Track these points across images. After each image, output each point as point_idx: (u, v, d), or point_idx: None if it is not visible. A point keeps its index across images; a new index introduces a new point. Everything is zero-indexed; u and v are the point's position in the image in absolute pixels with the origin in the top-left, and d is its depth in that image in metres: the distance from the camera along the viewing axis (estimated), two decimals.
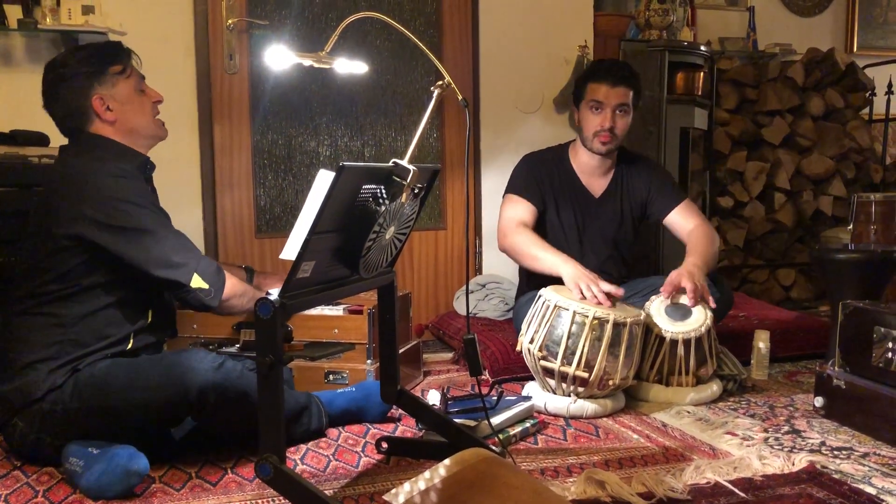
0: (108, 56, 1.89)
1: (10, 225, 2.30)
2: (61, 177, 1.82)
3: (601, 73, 2.66)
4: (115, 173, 1.78)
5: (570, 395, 2.26)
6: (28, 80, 2.81)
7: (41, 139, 2.57)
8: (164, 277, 1.75)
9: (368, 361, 2.35)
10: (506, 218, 2.69)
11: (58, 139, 2.56)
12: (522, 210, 2.68)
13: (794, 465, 1.83)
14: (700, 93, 3.65)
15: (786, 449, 1.97)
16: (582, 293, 2.30)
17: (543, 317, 2.27)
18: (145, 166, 1.93)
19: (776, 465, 1.84)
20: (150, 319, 1.88)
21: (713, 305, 2.41)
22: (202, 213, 3.08)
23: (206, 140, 3.07)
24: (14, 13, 2.75)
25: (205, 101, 3.06)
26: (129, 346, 1.85)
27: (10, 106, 2.80)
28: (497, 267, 3.42)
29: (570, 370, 2.20)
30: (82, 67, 1.85)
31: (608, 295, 2.28)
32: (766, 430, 2.12)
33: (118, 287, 1.81)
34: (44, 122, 2.63)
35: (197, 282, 1.76)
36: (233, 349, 1.92)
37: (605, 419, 2.24)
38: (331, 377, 2.34)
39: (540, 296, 2.34)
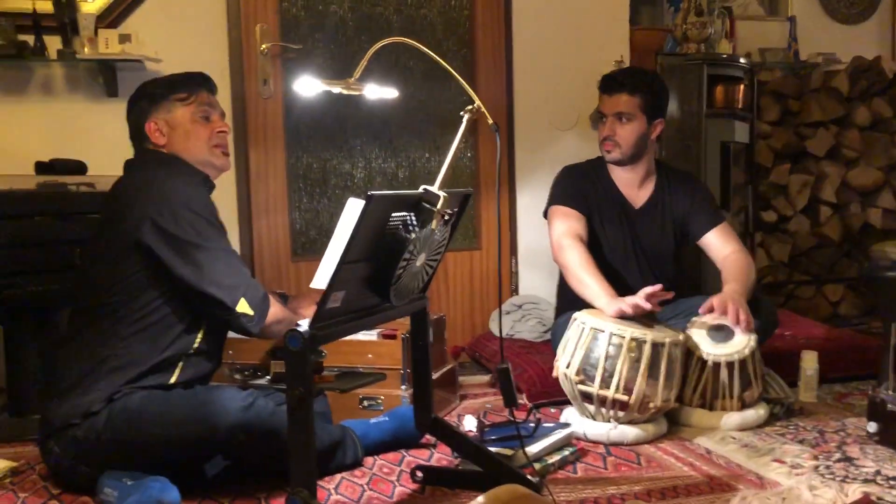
0: (179, 83, 1.95)
1: (50, 254, 2.33)
2: (125, 186, 1.88)
3: (603, 83, 2.72)
4: (183, 179, 1.83)
5: (609, 421, 2.21)
6: (67, 109, 2.88)
7: (79, 168, 2.62)
8: (211, 295, 1.77)
9: (403, 387, 2.33)
10: (557, 231, 2.61)
11: (96, 167, 2.63)
12: (573, 220, 2.62)
13: (847, 496, 1.75)
14: (740, 106, 3.58)
15: (838, 478, 1.89)
16: (624, 314, 2.24)
17: (579, 340, 2.23)
18: (205, 182, 1.96)
19: (828, 496, 1.76)
20: (198, 344, 1.88)
21: (752, 328, 2.35)
22: (239, 237, 3.10)
23: (241, 165, 3.10)
24: (53, 43, 2.81)
25: (240, 126, 3.08)
26: (173, 379, 1.84)
27: (50, 135, 2.86)
28: (534, 287, 3.38)
29: (609, 394, 2.16)
30: (152, 90, 1.93)
31: (651, 299, 2.22)
32: (816, 458, 2.04)
33: (172, 307, 1.82)
34: (83, 151, 2.71)
35: (243, 306, 1.76)
36: (264, 381, 1.92)
37: (646, 446, 2.18)
38: (365, 403, 2.33)
39: (575, 319, 2.30)
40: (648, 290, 2.25)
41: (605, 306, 2.32)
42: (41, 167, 2.58)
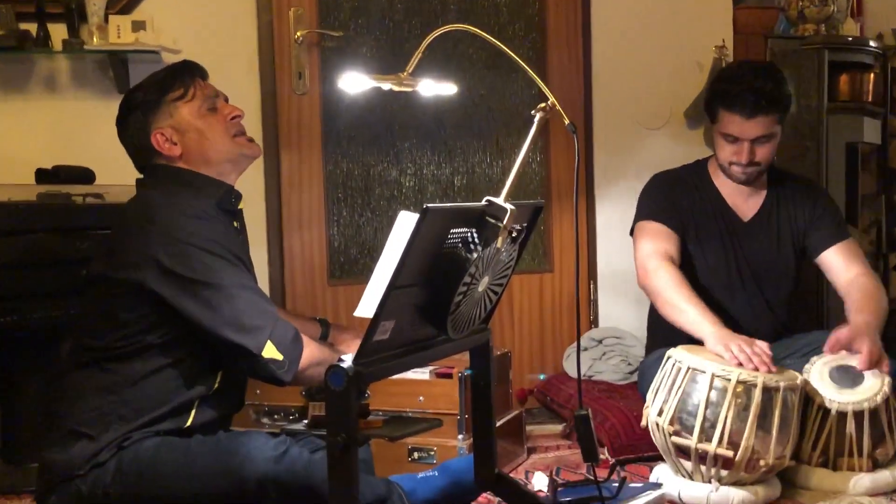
0: (167, 82, 1.97)
1: (53, 276, 2.39)
2: (131, 214, 1.91)
3: (733, 101, 2.54)
4: (187, 211, 1.84)
5: (710, 481, 2.19)
6: (73, 108, 2.97)
7: (87, 176, 2.69)
8: (231, 341, 1.78)
9: (460, 437, 2.34)
10: (644, 251, 2.60)
11: (105, 176, 2.70)
12: (663, 239, 2.61)
13: None
14: (870, 99, 3.52)
15: None
16: (733, 354, 2.21)
17: (674, 383, 2.22)
18: (229, 198, 1.99)
19: None
20: (217, 385, 1.92)
21: (886, 369, 2.30)
22: (267, 255, 3.16)
23: (271, 171, 3.16)
24: (58, 33, 2.90)
25: (270, 126, 3.15)
26: (189, 422, 1.88)
27: (53, 138, 2.95)
28: (617, 318, 3.37)
29: (710, 448, 2.14)
30: (142, 98, 1.96)
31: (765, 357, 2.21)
32: None
33: (186, 346, 1.86)
34: (90, 156, 2.79)
35: (270, 351, 1.77)
36: (300, 425, 1.94)
37: None
38: (415, 455, 2.34)
39: (669, 357, 2.28)
40: (766, 346, 2.23)
41: (708, 337, 2.30)
42: (43, 175, 2.66)
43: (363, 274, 3.30)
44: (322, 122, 3.22)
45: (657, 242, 2.59)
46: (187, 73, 1.98)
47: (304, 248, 3.24)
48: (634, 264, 2.64)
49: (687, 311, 2.41)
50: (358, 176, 3.30)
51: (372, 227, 3.31)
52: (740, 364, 2.19)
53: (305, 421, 1.98)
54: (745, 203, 2.72)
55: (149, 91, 1.96)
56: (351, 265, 3.31)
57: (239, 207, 2.02)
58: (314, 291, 3.26)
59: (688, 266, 2.64)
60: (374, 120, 3.27)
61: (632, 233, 2.73)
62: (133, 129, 1.96)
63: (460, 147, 3.36)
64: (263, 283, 3.14)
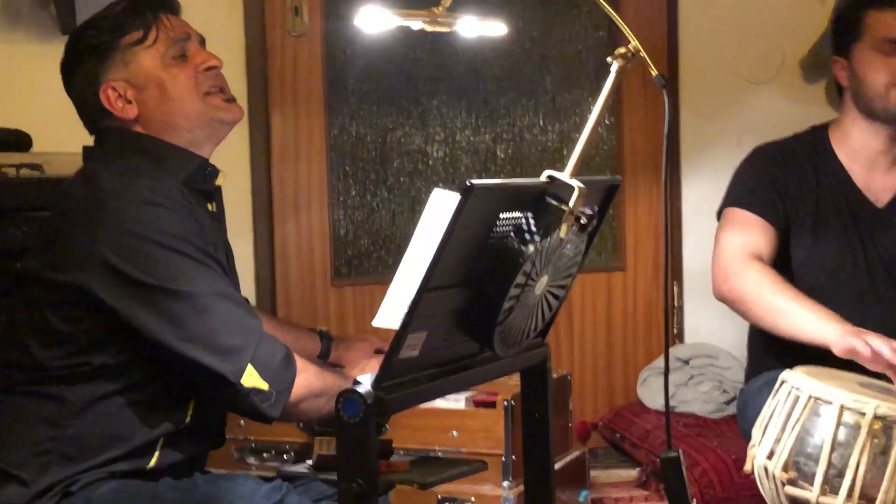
0: (123, 18, 1.93)
1: None
2: (74, 197, 1.89)
3: None
4: (145, 197, 1.81)
5: None
6: (6, 54, 2.98)
7: (21, 141, 2.69)
8: (202, 365, 1.77)
9: (506, 483, 2.33)
10: (728, 248, 2.59)
11: (45, 141, 2.71)
12: (755, 234, 2.59)
13: None
14: None
15: None
16: (872, 350, 2.19)
17: (790, 416, 2.19)
18: (202, 174, 1.96)
19: None
20: (188, 419, 1.91)
21: None
22: (253, 247, 3.17)
23: (259, 138, 3.16)
24: None
25: (257, 78, 3.16)
26: (152, 462, 1.87)
27: None
28: (709, 331, 3.36)
29: (838, 502, 2.12)
30: (92, 40, 1.91)
31: None
32: None
33: (147, 369, 1.85)
34: (26, 116, 2.79)
35: (251, 379, 1.75)
36: (301, 467, 1.94)
37: None
38: None
39: (782, 381, 2.25)
40: None
41: (833, 337, 2.27)
42: None
43: (377, 271, 3.30)
44: (325, 73, 3.23)
45: (746, 237, 2.58)
46: (149, 8, 1.96)
47: (301, 238, 3.25)
48: (712, 261, 2.62)
49: (796, 312, 2.38)
50: (371, 143, 3.30)
51: (388, 211, 3.31)
52: (889, 367, 2.16)
53: (309, 461, 1.98)
54: (881, 181, 2.68)
55: (101, 31, 1.92)
56: (361, 260, 3.31)
57: (215, 185, 2.01)
58: (314, 293, 3.26)
59: (798, 269, 2.62)
60: (393, 70, 3.27)
61: (719, 217, 2.71)
62: (80, 82, 1.93)
63: (504, 106, 3.36)
64: (247, 285, 3.14)
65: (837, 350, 2.27)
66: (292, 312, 3.22)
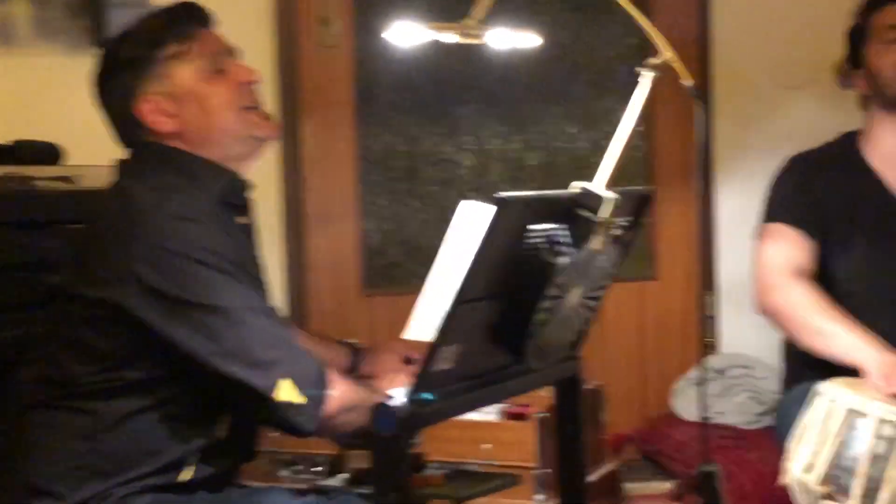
0: (161, 32, 1.93)
1: (9, 285, 2.41)
2: (108, 212, 1.89)
3: None
4: (179, 213, 1.81)
5: None
6: (34, 65, 2.99)
7: (51, 154, 2.70)
8: (235, 378, 1.77)
9: (539, 497, 2.33)
10: (769, 262, 2.58)
11: (76, 154, 2.72)
12: (796, 249, 2.57)
13: None
14: None
15: None
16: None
17: (827, 428, 2.18)
18: (233, 189, 1.96)
19: None
20: (222, 434, 1.91)
21: None
22: (284, 257, 3.18)
23: (289, 148, 3.17)
24: None
25: (287, 90, 3.16)
26: (186, 476, 1.88)
27: (13, 102, 2.97)
28: (744, 341, 3.33)
29: None
30: (129, 53, 1.90)
31: None
32: None
33: (180, 384, 1.85)
34: (57, 128, 2.80)
35: (287, 392, 1.75)
36: (335, 480, 1.95)
37: None
38: None
39: (819, 394, 2.25)
40: None
41: (870, 366, 2.26)
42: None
43: (408, 281, 3.29)
44: (355, 84, 3.24)
45: (787, 252, 2.57)
46: (187, 21, 1.96)
47: (331, 248, 3.26)
48: (755, 278, 2.61)
49: (835, 333, 2.37)
50: (401, 153, 3.31)
51: (419, 220, 3.32)
52: None
53: (342, 475, 1.98)
54: None
55: (137, 43, 1.92)
56: (392, 270, 3.32)
57: (247, 197, 2.01)
58: (345, 304, 3.27)
59: (828, 281, 2.60)
60: (424, 80, 3.28)
61: (757, 233, 2.70)
62: (115, 94, 1.92)
63: (534, 114, 3.36)
64: (278, 296, 3.14)
65: (871, 376, 2.26)
66: (323, 324, 3.22)
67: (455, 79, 3.30)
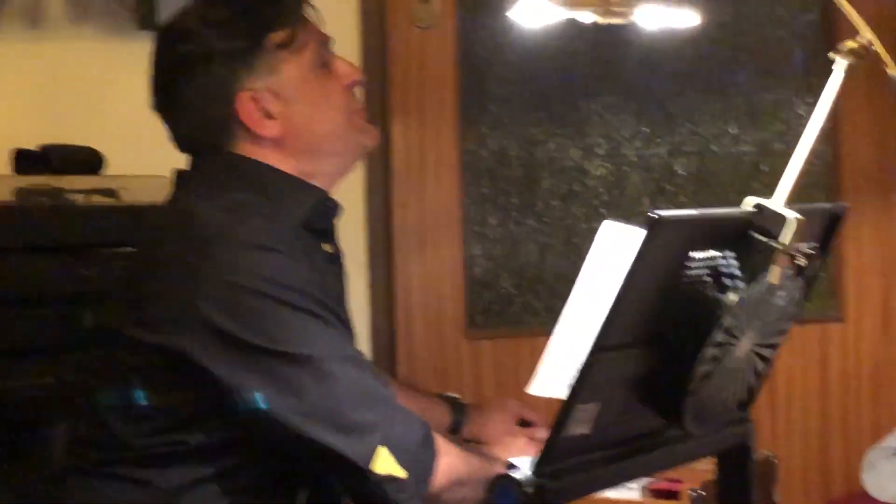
0: (266, 14, 1.94)
1: (40, 319, 2.45)
2: (166, 236, 1.90)
3: None
4: (255, 241, 1.81)
5: None
6: (70, 53, 3.05)
7: (91, 161, 2.74)
8: (323, 445, 1.78)
9: None
10: None
11: (119, 161, 2.77)
12: None
13: None
14: None
15: None
16: None
17: None
18: (322, 211, 1.98)
19: None
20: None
21: None
22: (368, 289, 3.21)
23: (376, 155, 3.18)
24: None
25: (376, 81, 3.18)
26: None
27: (43, 97, 3.03)
28: None
29: None
30: (220, 42, 1.90)
31: None
32: None
33: (253, 448, 1.86)
34: (97, 131, 2.84)
35: (385, 464, 1.75)
36: None
37: None
38: None
39: None
40: None
41: None
42: (25, 160, 2.73)
43: (522, 320, 3.29)
44: (460, 74, 3.26)
45: None
46: (290, 3, 1.97)
47: (428, 278, 3.28)
48: None
49: None
50: (515, 159, 3.32)
51: (537, 244, 3.32)
52: None
53: None
54: None
55: (232, 28, 1.92)
56: (503, 305, 3.32)
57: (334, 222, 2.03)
58: (442, 349, 3.29)
59: None
60: (544, 67, 3.29)
61: None
62: (205, 89, 1.91)
63: (684, 109, 3.36)
64: (362, 337, 3.16)
65: None
66: (416, 372, 3.24)
67: (584, 67, 3.30)
